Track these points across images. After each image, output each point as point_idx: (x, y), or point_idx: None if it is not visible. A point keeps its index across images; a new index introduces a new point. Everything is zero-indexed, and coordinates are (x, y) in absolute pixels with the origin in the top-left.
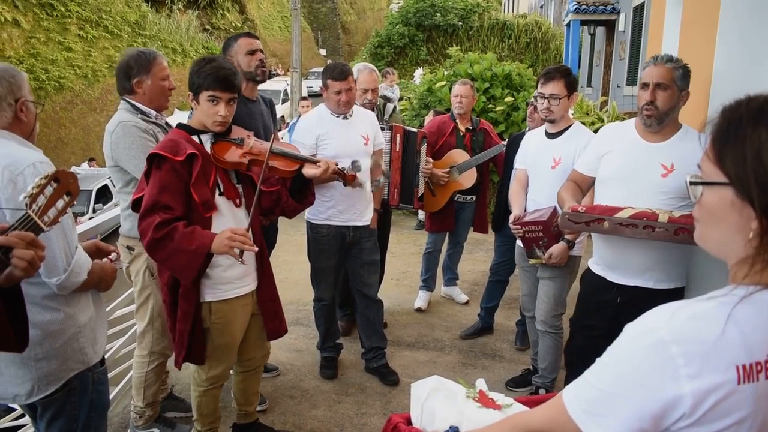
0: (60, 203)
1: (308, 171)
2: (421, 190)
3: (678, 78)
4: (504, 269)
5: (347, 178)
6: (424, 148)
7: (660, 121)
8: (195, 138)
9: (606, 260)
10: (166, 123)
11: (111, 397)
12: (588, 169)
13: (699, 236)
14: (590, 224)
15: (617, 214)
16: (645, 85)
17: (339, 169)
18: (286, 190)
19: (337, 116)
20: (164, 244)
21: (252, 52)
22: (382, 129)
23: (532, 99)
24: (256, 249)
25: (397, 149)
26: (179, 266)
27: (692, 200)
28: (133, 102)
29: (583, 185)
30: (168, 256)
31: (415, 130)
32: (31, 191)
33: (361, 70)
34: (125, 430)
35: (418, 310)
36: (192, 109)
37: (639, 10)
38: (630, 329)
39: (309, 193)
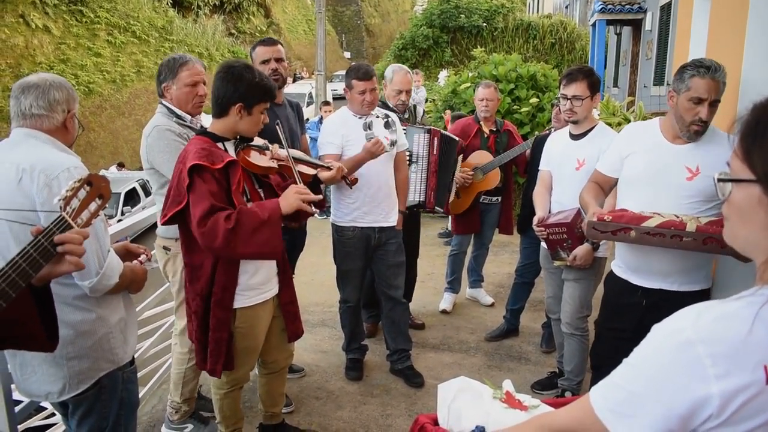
0: (92, 206)
1: (323, 174)
2: (452, 196)
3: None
4: (529, 271)
5: (351, 181)
6: (459, 158)
7: (704, 133)
8: (220, 145)
9: (629, 263)
10: (202, 127)
11: (140, 396)
12: (611, 170)
13: (728, 234)
14: (617, 233)
15: (644, 223)
16: (700, 100)
17: (345, 173)
18: None
19: (360, 117)
20: (239, 230)
21: (265, 61)
22: (419, 131)
23: (556, 100)
24: (321, 197)
25: (435, 152)
26: (263, 241)
27: (720, 197)
28: (170, 106)
29: (606, 186)
30: (248, 238)
31: (457, 138)
32: (65, 194)
33: (396, 71)
34: (154, 429)
35: (443, 312)
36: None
37: (666, 9)
38: (657, 330)
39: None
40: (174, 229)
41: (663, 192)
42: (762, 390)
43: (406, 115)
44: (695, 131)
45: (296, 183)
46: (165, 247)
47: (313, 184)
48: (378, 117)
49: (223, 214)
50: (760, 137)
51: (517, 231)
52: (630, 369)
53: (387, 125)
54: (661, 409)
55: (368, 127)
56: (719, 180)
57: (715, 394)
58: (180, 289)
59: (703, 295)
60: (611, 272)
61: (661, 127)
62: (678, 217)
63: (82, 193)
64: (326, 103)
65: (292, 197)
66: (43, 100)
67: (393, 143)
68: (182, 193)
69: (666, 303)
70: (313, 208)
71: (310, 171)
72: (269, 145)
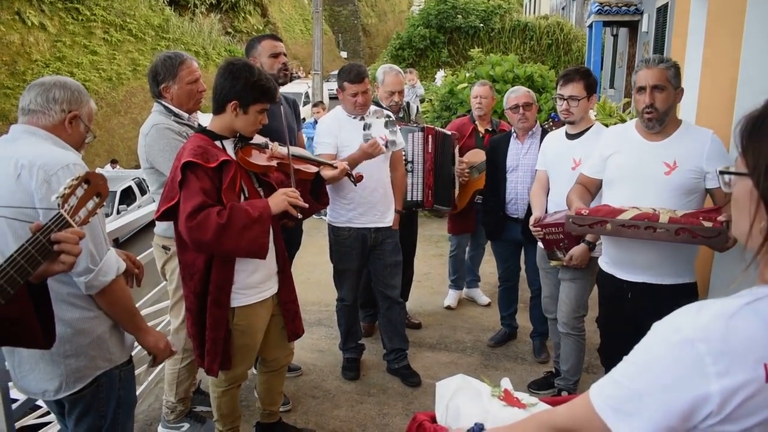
0: (90, 204)
1: (326, 173)
2: (457, 190)
3: (671, 77)
4: (511, 274)
5: (356, 178)
6: (456, 151)
7: (661, 122)
8: (218, 143)
9: (613, 258)
10: (199, 125)
11: (137, 394)
12: (594, 172)
13: (733, 227)
14: (594, 226)
15: (620, 216)
16: (641, 89)
17: (349, 171)
18: (307, 192)
19: (354, 118)
20: (229, 226)
21: (275, 55)
22: (413, 130)
23: (554, 99)
24: (307, 205)
25: (430, 150)
26: (252, 238)
27: (725, 190)
28: (166, 104)
29: (591, 188)
30: (238, 235)
31: (450, 132)
32: (63, 192)
33: (387, 72)
34: (150, 427)
35: (448, 308)
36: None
37: (662, 11)
38: (657, 328)
39: (323, 193)
40: (173, 228)
41: (644, 188)
42: (762, 388)
43: (401, 114)
44: (648, 119)
45: (293, 183)
46: (164, 246)
47: (316, 182)
48: (378, 117)
49: (215, 209)
50: (756, 133)
51: (487, 238)
52: (630, 366)
53: (387, 125)
54: (661, 407)
55: (367, 127)
56: (720, 172)
57: (715, 391)
58: (177, 287)
59: (687, 289)
60: (600, 268)
61: (637, 128)
62: (655, 210)
63: (80, 191)
64: (317, 104)
65: (279, 198)
66: (42, 97)
67: (391, 143)
68: (175, 189)
69: (652, 296)
70: (299, 214)
71: (312, 169)
72: (269, 143)
